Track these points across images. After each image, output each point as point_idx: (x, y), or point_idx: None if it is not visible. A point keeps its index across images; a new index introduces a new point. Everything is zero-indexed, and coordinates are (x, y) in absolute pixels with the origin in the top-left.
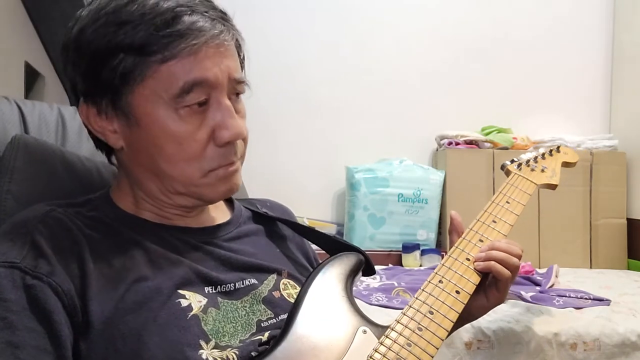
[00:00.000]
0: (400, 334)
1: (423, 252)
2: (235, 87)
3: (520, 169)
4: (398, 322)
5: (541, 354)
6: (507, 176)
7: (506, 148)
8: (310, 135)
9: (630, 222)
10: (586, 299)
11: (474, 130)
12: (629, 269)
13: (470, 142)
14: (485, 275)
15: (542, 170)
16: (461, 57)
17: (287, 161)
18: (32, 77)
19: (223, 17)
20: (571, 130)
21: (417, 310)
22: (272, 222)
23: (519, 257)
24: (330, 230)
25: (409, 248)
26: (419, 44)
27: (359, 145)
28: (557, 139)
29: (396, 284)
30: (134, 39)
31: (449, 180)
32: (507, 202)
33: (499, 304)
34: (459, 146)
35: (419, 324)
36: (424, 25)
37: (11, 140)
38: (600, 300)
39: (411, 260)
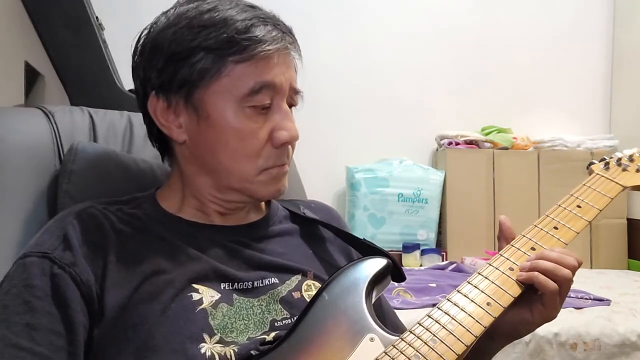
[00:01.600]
0: (409, 345)
1: (423, 252)
2: (293, 97)
3: (607, 169)
4: (411, 332)
5: (541, 354)
6: (589, 176)
7: (506, 148)
8: (310, 135)
9: (630, 222)
10: (586, 299)
11: (474, 130)
12: (629, 269)
13: (470, 142)
14: (533, 288)
15: (638, 170)
16: (461, 58)
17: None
18: (32, 77)
19: (290, 31)
20: (571, 130)
21: (436, 321)
22: (312, 224)
23: (573, 269)
24: None
25: (409, 248)
26: (420, 45)
27: (359, 145)
28: (557, 139)
29: (396, 284)
30: (216, 40)
31: (449, 180)
32: (578, 207)
33: (548, 321)
34: (459, 146)
35: (434, 335)
36: (425, 26)
37: (70, 147)
38: (600, 300)
39: (411, 260)
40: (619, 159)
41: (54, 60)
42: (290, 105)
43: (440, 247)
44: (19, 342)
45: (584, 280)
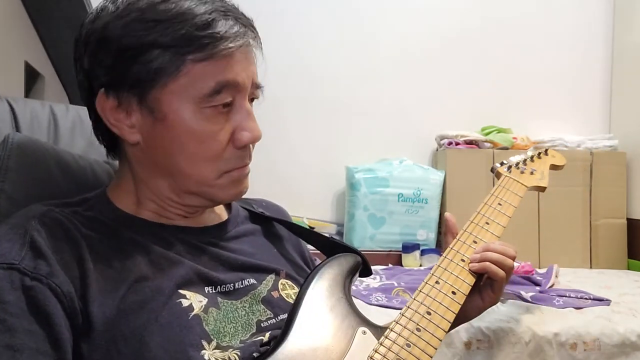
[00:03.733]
0: (399, 335)
1: (423, 252)
2: (254, 92)
3: (510, 172)
4: (397, 322)
5: (541, 354)
6: (498, 178)
7: (506, 148)
8: (310, 135)
9: (630, 222)
10: (586, 299)
11: (474, 130)
12: (629, 269)
13: (470, 142)
14: (480, 276)
15: (532, 173)
16: (461, 57)
17: (287, 161)
18: (32, 77)
19: (251, 25)
20: (571, 130)
21: (415, 311)
22: (268, 222)
23: (513, 259)
24: (330, 230)
25: (408, 248)
26: (420, 44)
27: (359, 145)
28: (557, 139)
29: (396, 284)
30: (173, 37)
31: (449, 180)
32: (499, 204)
33: (494, 305)
34: (459, 146)
35: (417, 324)
36: (425, 26)
37: (4, 139)
38: (600, 300)
39: (411, 260)
40: (517, 163)
41: (54, 60)
42: (252, 100)
43: (440, 247)
44: None
45: (584, 280)
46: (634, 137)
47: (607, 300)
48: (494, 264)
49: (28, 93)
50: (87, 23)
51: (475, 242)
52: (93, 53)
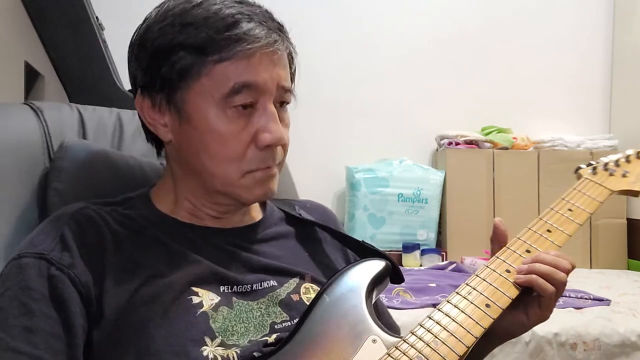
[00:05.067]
0: (412, 346)
1: (423, 252)
2: (283, 96)
3: (595, 174)
4: (412, 333)
5: (541, 354)
6: (578, 180)
7: (506, 148)
8: (310, 135)
9: (630, 222)
10: (586, 299)
11: (474, 130)
12: (629, 269)
13: (470, 142)
14: (527, 290)
15: (624, 175)
16: (461, 58)
17: (287, 161)
18: (32, 77)
19: (279, 29)
20: (571, 130)
21: (437, 322)
22: (308, 225)
23: (568, 272)
24: None
25: (409, 248)
26: (420, 44)
27: (359, 145)
28: (557, 139)
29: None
30: (195, 39)
31: (449, 180)
32: (569, 210)
33: (541, 322)
34: (459, 146)
35: (436, 336)
36: (425, 26)
37: (60, 144)
38: (600, 300)
39: (411, 260)
40: (606, 164)
41: (54, 60)
42: (282, 103)
43: (440, 247)
44: (17, 345)
45: (584, 280)
46: (634, 137)
47: (607, 300)
48: (543, 277)
49: (28, 93)
50: (137, 29)
51: (528, 251)
52: (135, 56)
